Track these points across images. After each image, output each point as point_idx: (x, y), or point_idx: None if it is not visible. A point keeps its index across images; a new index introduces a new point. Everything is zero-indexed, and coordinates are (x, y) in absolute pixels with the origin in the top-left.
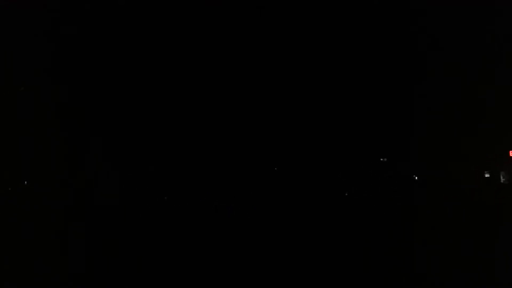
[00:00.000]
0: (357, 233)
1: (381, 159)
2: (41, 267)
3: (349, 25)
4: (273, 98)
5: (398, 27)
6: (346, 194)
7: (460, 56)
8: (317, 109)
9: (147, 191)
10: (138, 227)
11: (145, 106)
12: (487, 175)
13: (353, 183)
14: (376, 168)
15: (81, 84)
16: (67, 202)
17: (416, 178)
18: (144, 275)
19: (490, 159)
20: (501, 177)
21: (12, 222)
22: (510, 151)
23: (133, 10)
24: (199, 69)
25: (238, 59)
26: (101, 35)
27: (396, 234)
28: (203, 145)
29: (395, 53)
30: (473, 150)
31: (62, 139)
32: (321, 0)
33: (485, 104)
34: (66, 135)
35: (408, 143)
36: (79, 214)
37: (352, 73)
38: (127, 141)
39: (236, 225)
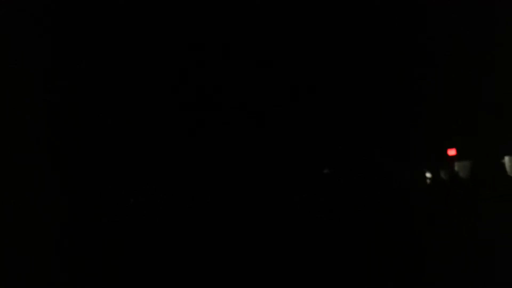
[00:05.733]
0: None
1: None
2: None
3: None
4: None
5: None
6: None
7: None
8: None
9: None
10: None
11: (144, 108)
12: (428, 175)
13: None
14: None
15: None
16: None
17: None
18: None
19: (430, 158)
20: (442, 176)
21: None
22: (448, 150)
23: (133, 10)
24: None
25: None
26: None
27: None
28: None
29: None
30: (412, 149)
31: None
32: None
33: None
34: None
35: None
36: (77, 216)
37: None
38: (126, 142)
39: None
